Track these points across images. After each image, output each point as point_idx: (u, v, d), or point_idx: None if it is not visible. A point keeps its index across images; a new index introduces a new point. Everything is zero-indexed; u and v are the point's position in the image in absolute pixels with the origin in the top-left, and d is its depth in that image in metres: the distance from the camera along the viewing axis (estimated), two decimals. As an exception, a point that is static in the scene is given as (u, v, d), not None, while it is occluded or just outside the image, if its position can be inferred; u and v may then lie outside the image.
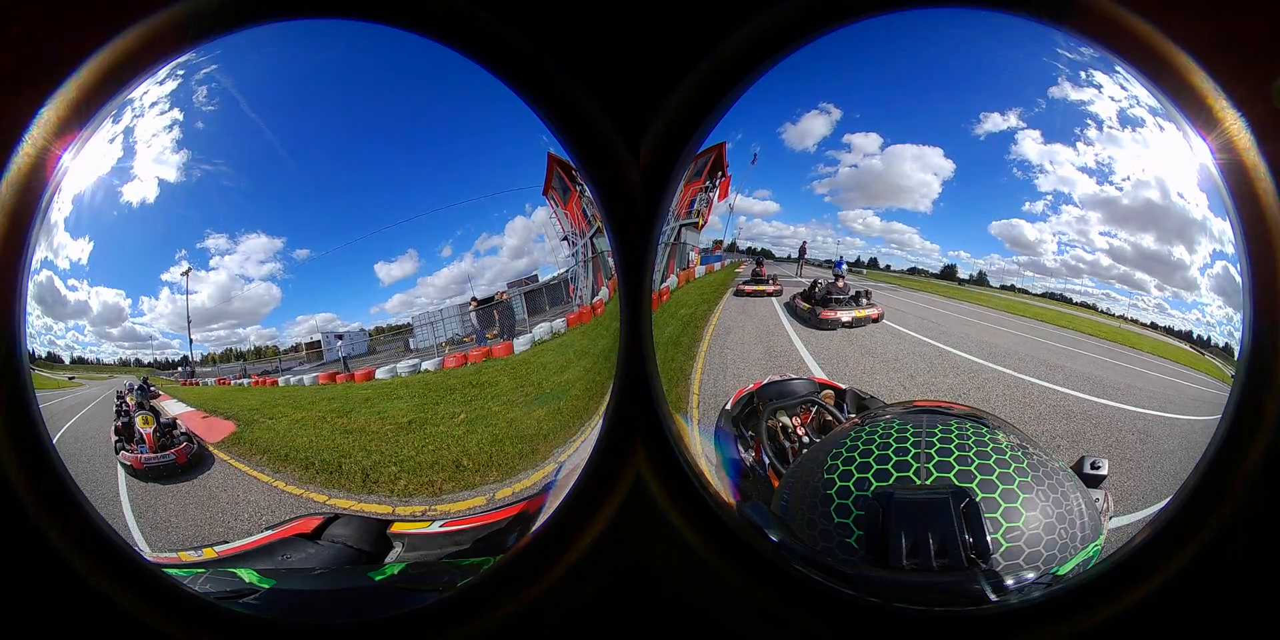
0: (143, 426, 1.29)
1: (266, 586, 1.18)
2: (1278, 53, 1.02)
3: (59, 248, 1.13)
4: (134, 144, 1.14)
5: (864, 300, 1.41)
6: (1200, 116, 1.04)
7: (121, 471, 1.25)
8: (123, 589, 1.07)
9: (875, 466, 0.95)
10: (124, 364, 1.23)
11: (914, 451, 0.95)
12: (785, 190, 1.32)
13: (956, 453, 0.94)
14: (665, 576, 1.14)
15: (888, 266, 1.34)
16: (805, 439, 1.30)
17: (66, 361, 1.19)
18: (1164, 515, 1.04)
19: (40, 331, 1.16)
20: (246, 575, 1.19)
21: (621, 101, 1.12)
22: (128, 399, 1.29)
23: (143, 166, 1.14)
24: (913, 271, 1.32)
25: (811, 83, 1.21)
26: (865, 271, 1.37)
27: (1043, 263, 1.19)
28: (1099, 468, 1.11)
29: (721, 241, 1.42)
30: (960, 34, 1.18)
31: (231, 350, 1.26)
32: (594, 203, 1.18)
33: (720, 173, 1.33)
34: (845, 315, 1.41)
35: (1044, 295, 1.22)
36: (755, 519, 1.10)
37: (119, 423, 1.28)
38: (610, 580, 1.14)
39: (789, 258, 1.40)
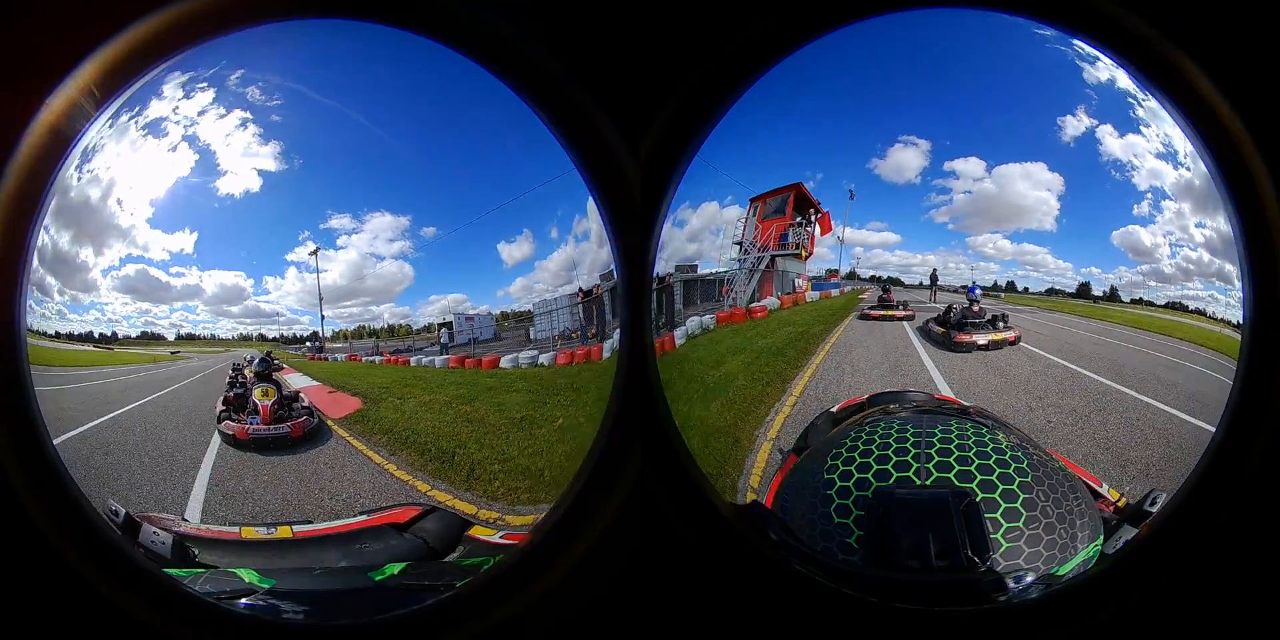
0: (261, 398, 1.30)
1: (266, 586, 1.18)
2: (1278, 52, 1.02)
3: (147, 244, 1.20)
4: (207, 146, 1.20)
5: (1000, 323, 1.44)
6: (1200, 116, 1.04)
7: (217, 440, 1.25)
8: (122, 589, 1.06)
9: (875, 466, 0.95)
10: (245, 338, 1.26)
11: (914, 451, 0.95)
12: (902, 221, 1.35)
13: (957, 453, 0.94)
14: (665, 576, 1.14)
15: (1025, 289, 1.36)
16: None
17: (171, 338, 1.22)
18: (1164, 515, 1.05)
19: (133, 315, 1.23)
20: (247, 575, 1.18)
21: (621, 102, 1.12)
22: (245, 371, 1.30)
23: (231, 161, 1.20)
24: (1050, 292, 1.33)
25: (879, 115, 1.23)
26: (1003, 295, 1.39)
27: (1162, 269, 1.19)
28: (1154, 504, 1.09)
29: (836, 270, 1.49)
30: (971, 37, 1.18)
31: (364, 327, 1.28)
32: (596, 202, 1.18)
33: (812, 209, 1.38)
34: (981, 338, 1.44)
35: (1167, 306, 1.22)
36: (755, 519, 1.10)
37: (230, 394, 1.30)
38: (610, 580, 1.14)
39: (920, 284, 1.44)
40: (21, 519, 1.03)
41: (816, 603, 1.03)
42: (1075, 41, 1.12)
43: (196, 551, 1.18)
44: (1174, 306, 1.22)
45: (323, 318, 1.27)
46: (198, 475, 1.22)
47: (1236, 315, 1.13)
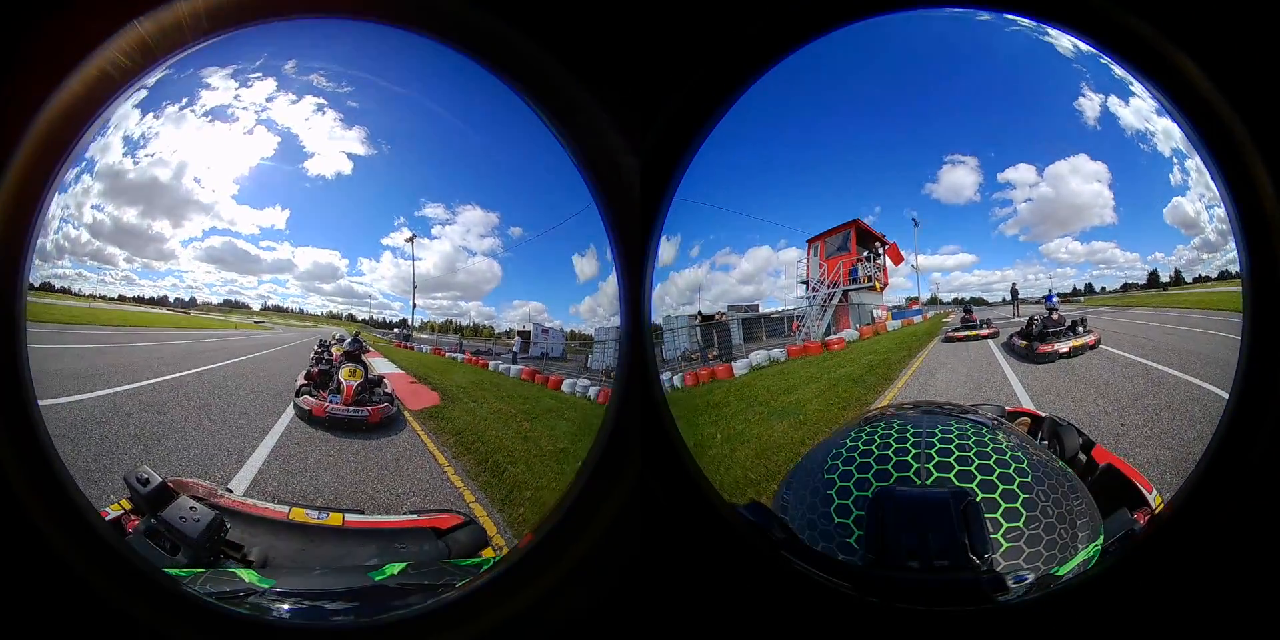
0: (347, 378, 1.31)
1: (266, 586, 1.18)
2: (1278, 52, 1.02)
3: (234, 219, 1.26)
4: (288, 129, 1.24)
5: (1080, 328, 1.44)
6: (1200, 116, 1.04)
7: (289, 413, 1.26)
8: (122, 589, 1.06)
9: (875, 466, 0.95)
10: (333, 316, 1.27)
11: (914, 451, 0.95)
12: (975, 240, 1.36)
13: (956, 453, 0.94)
14: (665, 576, 1.14)
15: (1103, 289, 1.36)
16: None
17: (256, 308, 1.24)
18: (1164, 515, 1.04)
19: (217, 283, 1.28)
20: (247, 575, 1.18)
21: (621, 102, 1.12)
22: (333, 349, 1.30)
23: (316, 144, 1.23)
24: (1125, 288, 1.33)
25: (920, 139, 1.23)
26: (1083, 299, 1.39)
27: (1208, 238, 1.19)
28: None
29: (916, 298, 1.50)
30: (962, 38, 1.19)
31: (451, 322, 1.29)
32: (595, 203, 1.18)
33: (877, 242, 1.40)
34: (1063, 346, 1.45)
35: (1220, 277, 1.21)
36: (755, 519, 1.10)
37: (315, 369, 1.30)
38: (610, 580, 1.14)
39: (1003, 301, 1.45)
40: (21, 519, 1.03)
41: (816, 603, 1.03)
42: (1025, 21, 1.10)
43: (230, 529, 1.16)
44: (1225, 276, 1.20)
45: (414, 306, 1.28)
46: (259, 445, 1.22)
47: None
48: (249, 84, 1.23)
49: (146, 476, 1.19)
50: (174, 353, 1.32)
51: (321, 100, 1.24)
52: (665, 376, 1.36)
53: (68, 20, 1.03)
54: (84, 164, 1.25)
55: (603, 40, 1.11)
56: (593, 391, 1.34)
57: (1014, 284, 1.40)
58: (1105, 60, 1.12)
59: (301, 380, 1.28)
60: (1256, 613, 1.04)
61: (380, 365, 1.34)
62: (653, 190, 1.15)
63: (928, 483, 0.92)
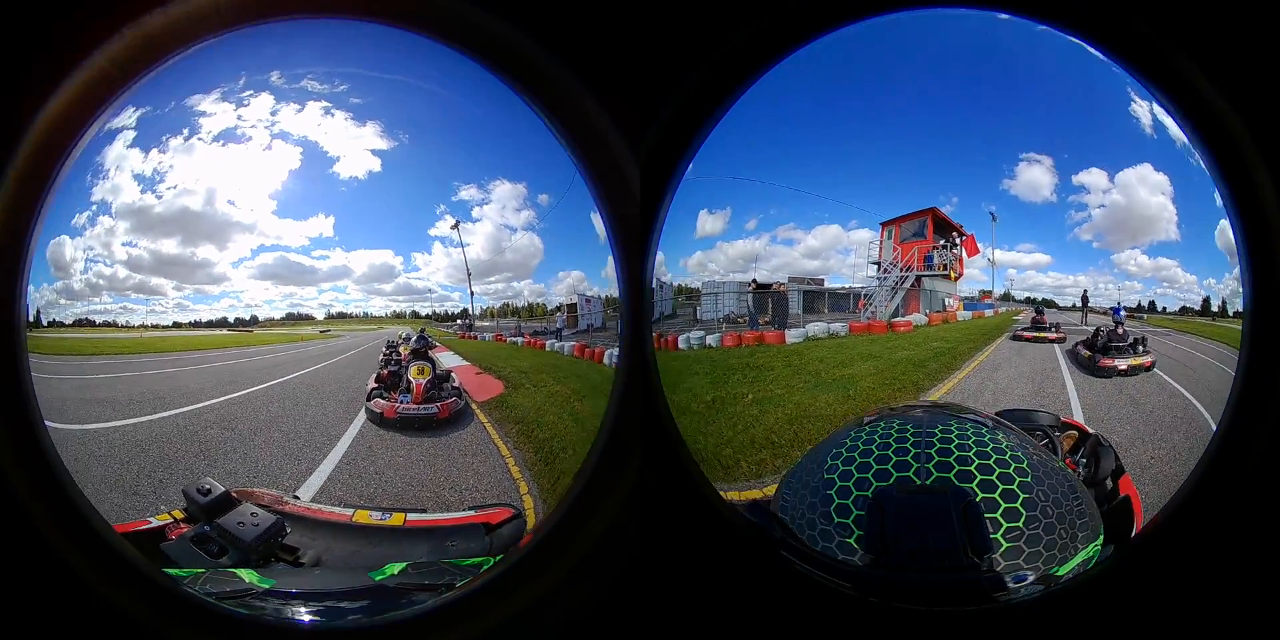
0: (416, 376, 1.31)
1: (266, 586, 1.18)
2: (1278, 52, 1.02)
3: (280, 234, 1.29)
4: (305, 137, 1.24)
5: (1140, 347, 1.44)
6: (1200, 116, 1.04)
7: (361, 418, 1.26)
8: (122, 589, 1.06)
9: (875, 466, 0.95)
10: (398, 316, 1.28)
11: (914, 451, 0.95)
12: (1051, 241, 1.37)
13: (956, 453, 0.94)
14: (665, 576, 1.14)
15: (1164, 309, 1.35)
16: None
17: (321, 318, 1.24)
18: (1164, 515, 1.04)
19: (277, 298, 1.30)
20: (247, 576, 1.18)
21: (622, 102, 1.12)
22: (400, 349, 1.30)
23: (341, 146, 1.25)
24: (1182, 311, 1.32)
25: (1008, 135, 1.22)
26: (1145, 316, 1.39)
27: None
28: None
29: (990, 292, 1.51)
30: (981, 38, 1.18)
31: (508, 305, 1.30)
32: (595, 203, 1.18)
33: (954, 232, 1.41)
34: (1122, 363, 1.45)
35: None
36: (755, 519, 1.10)
37: (385, 371, 1.30)
38: (610, 580, 1.14)
39: (1073, 306, 1.45)
40: (21, 519, 1.03)
41: (816, 603, 1.03)
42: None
43: (290, 533, 1.18)
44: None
45: (472, 294, 1.29)
46: (330, 453, 1.23)
47: None
48: (245, 103, 1.24)
49: (208, 487, 1.22)
50: (240, 370, 1.33)
51: (324, 103, 1.25)
52: (698, 334, 1.36)
53: (67, 21, 1.03)
54: (95, 207, 1.26)
55: (603, 40, 1.11)
56: (712, 339, 1.37)
57: (1085, 291, 1.41)
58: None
59: (372, 383, 1.30)
60: (1255, 613, 1.04)
61: (447, 359, 1.35)
62: (653, 190, 1.15)
63: (928, 483, 0.92)
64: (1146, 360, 1.43)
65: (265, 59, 1.21)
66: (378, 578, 1.22)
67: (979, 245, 1.47)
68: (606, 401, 1.28)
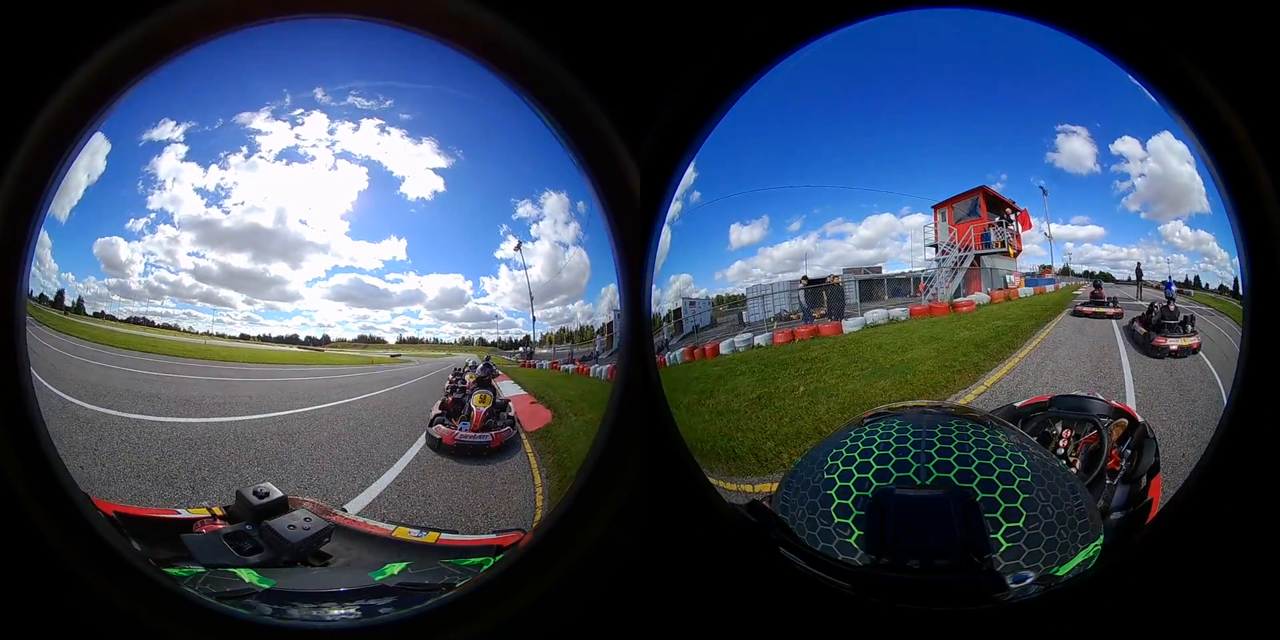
0: (478, 404, 1.31)
1: (266, 586, 1.18)
2: (1278, 52, 1.02)
3: (352, 255, 1.26)
4: (366, 157, 1.26)
5: (1189, 327, 1.41)
6: (1200, 116, 1.04)
7: (421, 441, 1.26)
8: (122, 589, 1.06)
9: (875, 466, 0.95)
10: (466, 343, 1.27)
11: (914, 451, 0.95)
12: (1102, 213, 1.34)
13: (957, 453, 0.94)
14: (665, 577, 1.14)
15: (1206, 285, 1.33)
16: (1064, 452, 1.32)
17: (391, 343, 1.24)
18: (1163, 515, 1.05)
19: (349, 320, 1.28)
20: (247, 576, 1.18)
21: (622, 102, 1.12)
22: (466, 376, 1.30)
23: (403, 164, 1.23)
24: (1221, 290, 1.30)
25: (1022, 107, 1.22)
26: (1193, 293, 1.37)
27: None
28: None
29: (1050, 266, 1.50)
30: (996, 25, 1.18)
31: (564, 329, 1.29)
32: (596, 202, 1.18)
33: (1008, 208, 1.40)
34: (1174, 343, 1.42)
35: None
36: (755, 519, 1.10)
37: (449, 398, 1.30)
38: (610, 580, 1.14)
39: (1128, 280, 1.43)
40: (21, 519, 1.03)
41: (816, 603, 1.03)
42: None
43: (331, 540, 1.22)
44: None
45: (534, 319, 1.28)
46: (385, 473, 1.24)
47: None
48: (299, 122, 1.23)
49: (266, 491, 1.25)
50: (308, 387, 1.34)
51: (378, 120, 1.24)
52: (745, 337, 1.36)
53: (67, 21, 1.03)
54: (154, 215, 1.27)
55: (603, 40, 1.11)
56: (761, 338, 1.39)
57: (1139, 264, 1.38)
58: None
59: (436, 409, 1.30)
60: (1255, 613, 1.05)
61: (507, 388, 1.35)
62: (653, 190, 1.15)
63: (928, 483, 0.92)
64: (1194, 342, 1.40)
65: (300, 71, 1.21)
66: (378, 578, 1.22)
67: (1033, 220, 1.46)
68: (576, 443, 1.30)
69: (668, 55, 1.11)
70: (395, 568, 1.23)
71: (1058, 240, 1.43)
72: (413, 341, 1.30)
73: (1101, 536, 0.97)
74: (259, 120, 1.23)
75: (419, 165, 1.25)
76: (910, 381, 1.43)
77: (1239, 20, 1.02)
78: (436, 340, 1.30)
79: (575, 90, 1.10)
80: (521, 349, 1.29)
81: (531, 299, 1.27)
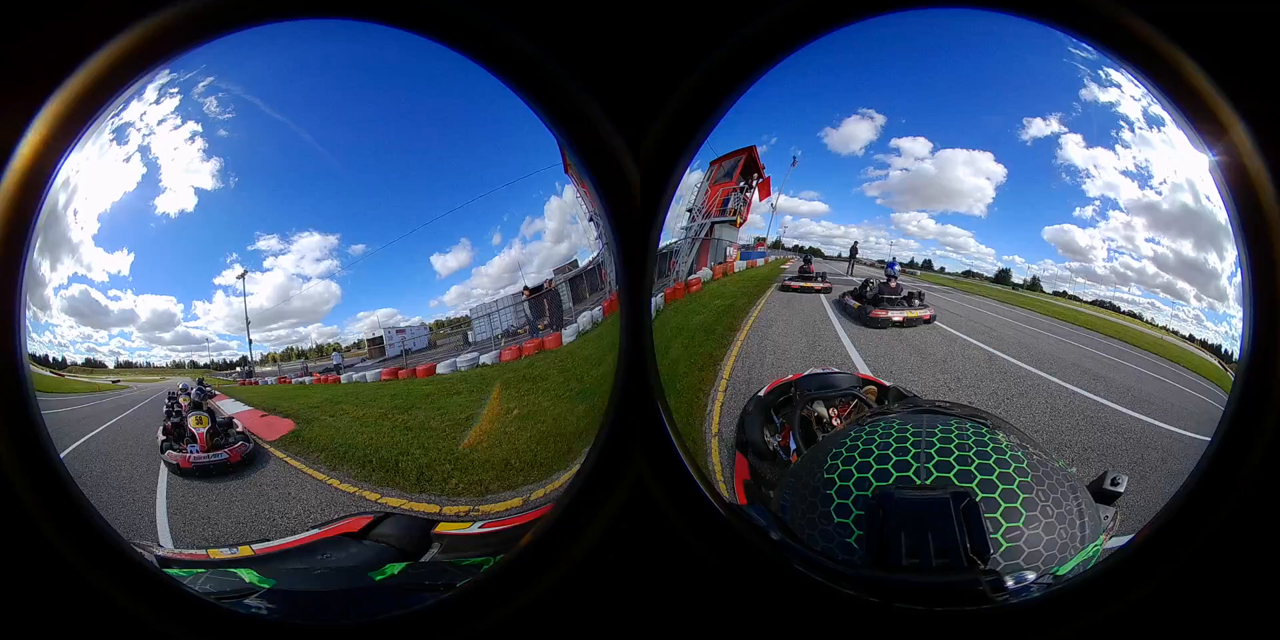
0: (196, 426, 1.29)
1: (267, 586, 1.18)
2: (1277, 52, 1.02)
3: (90, 263, 1.16)
4: (155, 160, 1.16)
5: (916, 301, 1.42)
6: (1200, 117, 1.04)
7: (164, 470, 1.25)
8: (123, 589, 1.07)
9: (875, 466, 0.95)
10: (178, 366, 1.24)
11: (914, 451, 0.95)
12: (835, 192, 1.33)
13: (956, 453, 0.94)
14: (665, 577, 1.14)
15: (942, 269, 1.35)
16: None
17: (111, 366, 1.21)
18: (1164, 515, 1.05)
19: (78, 339, 1.19)
20: (247, 575, 1.18)
21: (622, 101, 1.12)
22: (180, 399, 1.30)
23: (173, 179, 1.16)
24: (967, 275, 1.32)
25: (849, 87, 1.22)
26: (919, 273, 1.38)
27: (1094, 270, 1.20)
28: (1118, 485, 1.11)
29: (765, 239, 1.44)
30: (975, 34, 1.19)
31: (293, 349, 1.27)
32: (596, 202, 1.18)
33: (756, 174, 1.34)
34: (897, 315, 1.42)
35: (1094, 302, 1.22)
36: (755, 519, 1.10)
37: (169, 423, 1.29)
38: (610, 580, 1.14)
39: (839, 256, 1.41)
40: (22, 519, 1.03)
41: (816, 603, 1.03)
42: (1080, 53, 1.13)
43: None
44: (1101, 304, 1.22)
45: (250, 342, 1.25)
46: (156, 504, 1.22)
47: (1184, 327, 1.18)
48: (161, 100, 1.14)
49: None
50: (60, 422, 1.25)
51: (199, 126, 1.15)
52: (469, 357, 1.34)
53: (67, 21, 1.03)
54: None
55: (603, 41, 1.11)
56: (487, 358, 1.34)
57: (856, 243, 1.37)
58: (1134, 123, 1.15)
59: (160, 436, 1.28)
60: (1255, 613, 1.05)
61: (229, 407, 1.33)
62: (653, 190, 1.15)
63: (928, 483, 0.92)
64: (925, 313, 1.41)
65: (224, 62, 1.12)
66: (378, 578, 1.22)
67: (771, 189, 1.40)
68: (454, 400, 1.29)
69: (668, 55, 1.11)
70: (395, 568, 1.23)
71: (780, 212, 1.39)
72: (128, 365, 1.24)
73: (1101, 536, 0.97)
74: (154, 86, 1.10)
75: (185, 181, 1.16)
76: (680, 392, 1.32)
77: (1238, 20, 1.02)
78: (149, 364, 1.25)
79: (576, 91, 1.10)
80: (238, 369, 1.28)
81: (248, 323, 1.24)
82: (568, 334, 1.32)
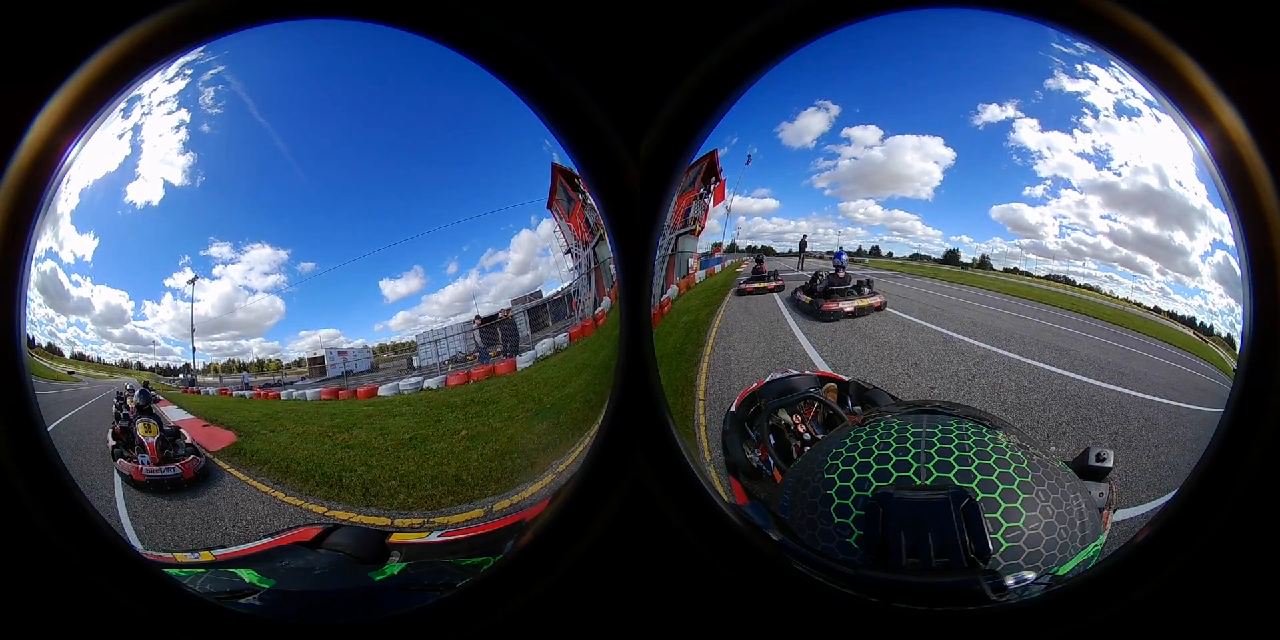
0: (145, 434, 1.27)
1: (267, 587, 1.18)
2: (1277, 50, 1.02)
3: (64, 240, 1.14)
4: (141, 142, 1.13)
5: (866, 289, 1.40)
6: (1199, 113, 1.04)
7: (118, 475, 1.25)
8: (123, 589, 1.07)
9: (875, 466, 0.95)
10: (125, 365, 1.23)
11: (914, 451, 0.95)
12: (784, 187, 1.31)
13: (956, 453, 0.94)
14: (665, 576, 1.14)
15: (889, 254, 1.33)
16: (808, 435, 1.30)
17: (67, 356, 1.19)
18: (1164, 515, 1.04)
19: (42, 320, 1.16)
20: (247, 575, 1.19)
21: (622, 104, 1.12)
22: (128, 401, 1.28)
23: (149, 167, 1.14)
24: (915, 258, 1.31)
25: (808, 81, 1.21)
26: (868, 260, 1.36)
27: (1045, 245, 1.18)
28: (1104, 460, 1.10)
29: (721, 244, 1.41)
30: (958, 32, 1.19)
31: (234, 361, 1.25)
32: (594, 207, 1.18)
33: (714, 179, 1.31)
34: (848, 306, 1.40)
35: (1047, 277, 1.21)
36: (755, 519, 1.10)
37: (118, 426, 1.26)
38: (610, 581, 1.14)
39: (790, 252, 1.39)
40: (22, 519, 1.04)
41: (816, 603, 1.03)
42: (1057, 46, 1.13)
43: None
44: (1055, 278, 1.21)
45: (194, 350, 1.23)
46: (118, 507, 1.22)
47: (1147, 299, 1.16)
48: (157, 86, 1.12)
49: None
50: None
51: (186, 117, 1.13)
52: (413, 381, 1.34)
53: (67, 21, 1.03)
54: None
55: (603, 40, 1.11)
56: (432, 382, 1.34)
57: (804, 236, 1.35)
58: (1099, 111, 1.14)
59: (110, 440, 1.26)
60: (1255, 613, 1.05)
61: (172, 413, 1.32)
62: (653, 190, 1.15)
63: (928, 483, 0.92)
64: (875, 301, 1.40)
65: (238, 57, 1.12)
66: (378, 578, 1.22)
67: (727, 192, 1.37)
68: (395, 422, 1.29)
69: (667, 55, 1.11)
70: (395, 568, 1.23)
71: (735, 214, 1.36)
72: (81, 358, 1.23)
73: (1102, 536, 0.97)
74: (177, 64, 1.11)
75: (158, 173, 1.15)
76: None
77: (1238, 20, 1.02)
78: (100, 359, 1.24)
79: (575, 90, 1.10)
80: (181, 376, 1.27)
81: (193, 330, 1.22)
82: (523, 360, 1.31)
